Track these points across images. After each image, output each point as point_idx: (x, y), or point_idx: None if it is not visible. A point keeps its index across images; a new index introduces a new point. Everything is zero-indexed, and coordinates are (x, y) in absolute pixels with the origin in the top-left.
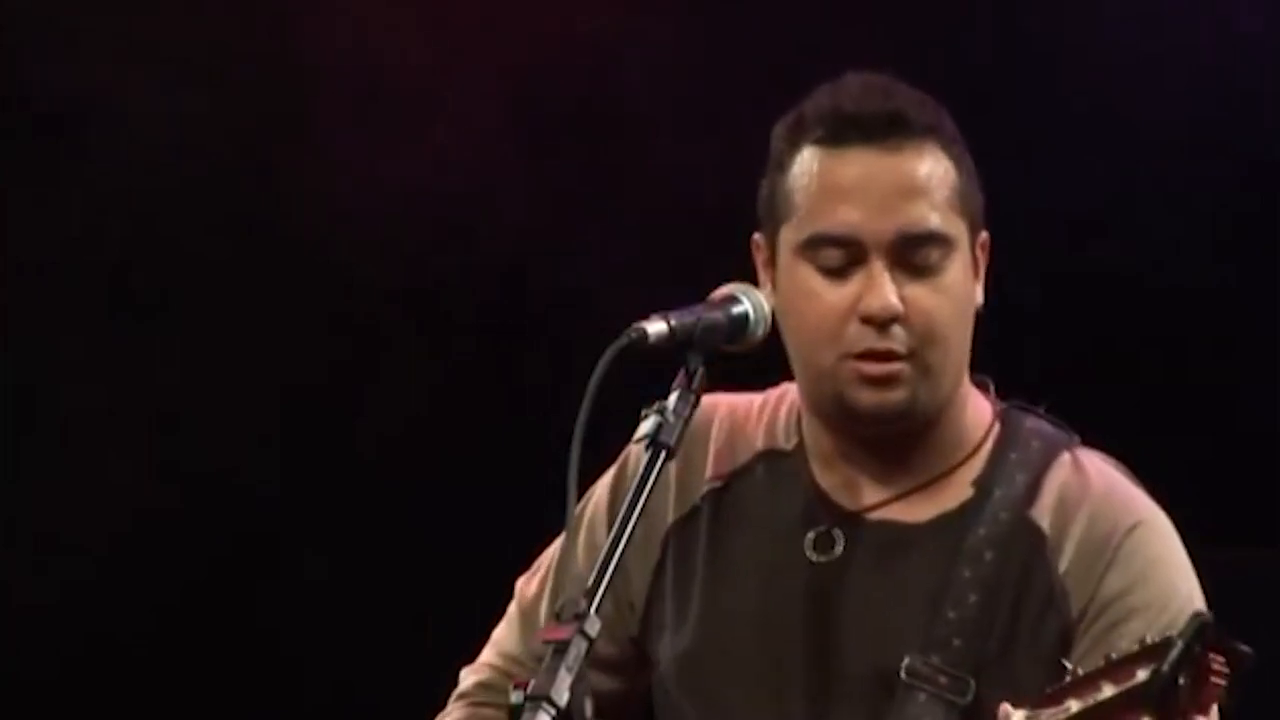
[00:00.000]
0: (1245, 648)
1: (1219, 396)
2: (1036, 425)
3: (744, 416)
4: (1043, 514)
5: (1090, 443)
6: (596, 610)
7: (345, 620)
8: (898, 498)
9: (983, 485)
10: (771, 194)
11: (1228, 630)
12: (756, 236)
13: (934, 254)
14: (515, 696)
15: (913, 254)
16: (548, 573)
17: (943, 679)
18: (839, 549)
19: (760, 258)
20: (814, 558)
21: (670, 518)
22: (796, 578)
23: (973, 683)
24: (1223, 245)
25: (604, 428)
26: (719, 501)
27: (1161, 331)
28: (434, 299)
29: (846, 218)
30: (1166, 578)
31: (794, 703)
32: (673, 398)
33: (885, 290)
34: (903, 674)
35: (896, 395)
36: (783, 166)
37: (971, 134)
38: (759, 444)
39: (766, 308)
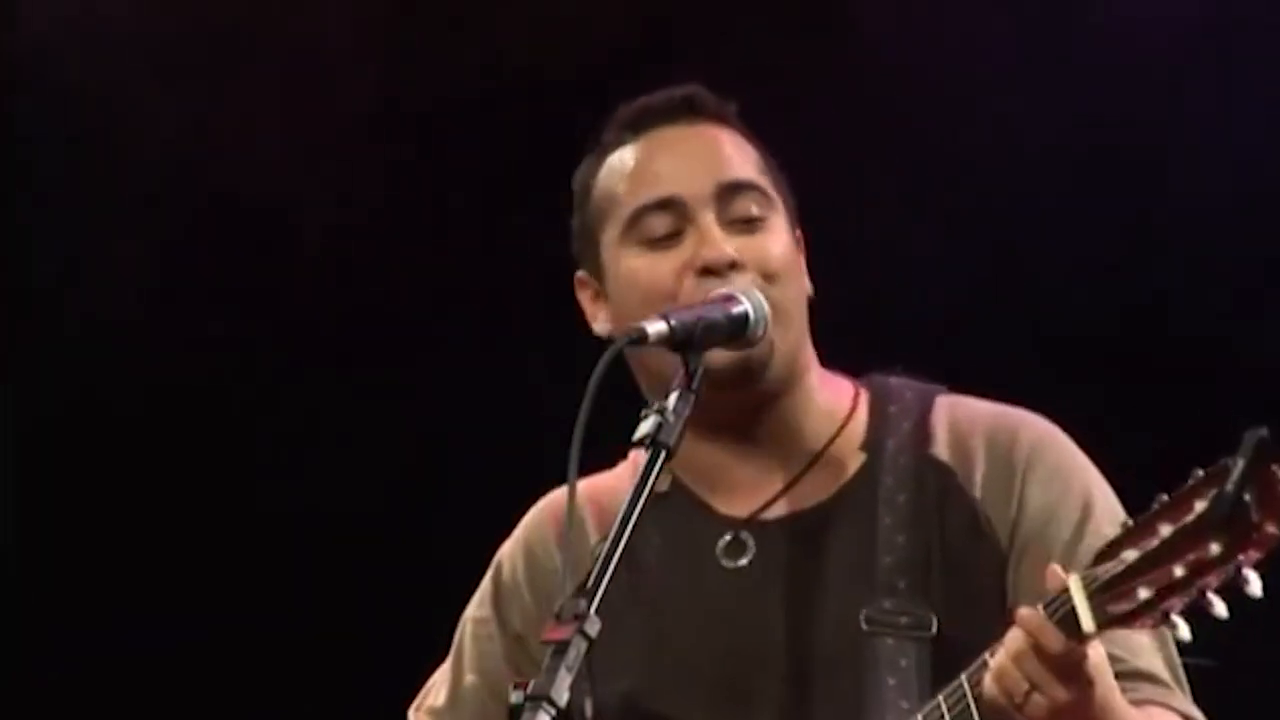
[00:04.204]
0: None
1: (1218, 395)
2: (902, 381)
3: (609, 484)
4: (941, 449)
5: (1091, 440)
6: (596, 610)
7: (343, 622)
8: (790, 486)
9: (871, 444)
10: (582, 220)
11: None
12: (579, 274)
13: (754, 206)
14: (515, 696)
15: (734, 204)
16: (436, 689)
17: (902, 619)
18: (750, 552)
19: (587, 294)
20: (729, 564)
21: (569, 589)
22: (722, 590)
23: (933, 616)
24: (1224, 253)
25: (604, 427)
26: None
27: (1157, 329)
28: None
29: (664, 182)
30: (1080, 482)
31: (766, 699)
32: (672, 397)
33: (718, 238)
34: (863, 624)
35: None
36: (590, 187)
37: None
38: None
39: (766, 307)
